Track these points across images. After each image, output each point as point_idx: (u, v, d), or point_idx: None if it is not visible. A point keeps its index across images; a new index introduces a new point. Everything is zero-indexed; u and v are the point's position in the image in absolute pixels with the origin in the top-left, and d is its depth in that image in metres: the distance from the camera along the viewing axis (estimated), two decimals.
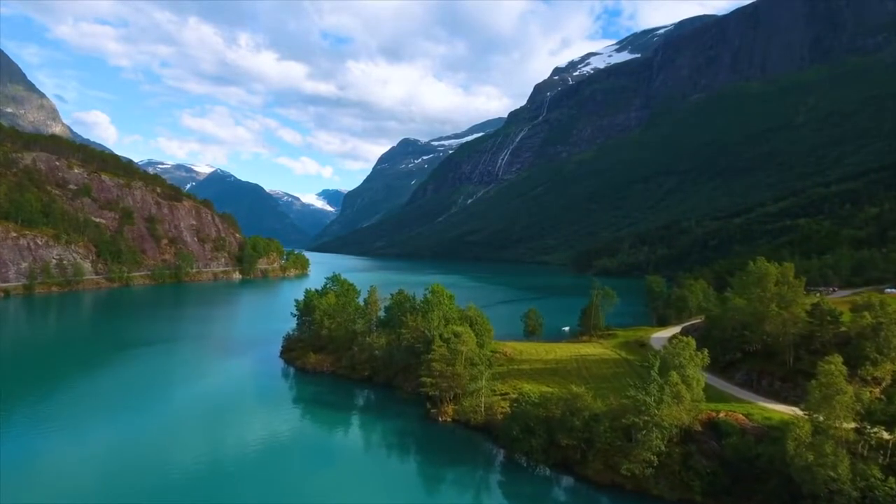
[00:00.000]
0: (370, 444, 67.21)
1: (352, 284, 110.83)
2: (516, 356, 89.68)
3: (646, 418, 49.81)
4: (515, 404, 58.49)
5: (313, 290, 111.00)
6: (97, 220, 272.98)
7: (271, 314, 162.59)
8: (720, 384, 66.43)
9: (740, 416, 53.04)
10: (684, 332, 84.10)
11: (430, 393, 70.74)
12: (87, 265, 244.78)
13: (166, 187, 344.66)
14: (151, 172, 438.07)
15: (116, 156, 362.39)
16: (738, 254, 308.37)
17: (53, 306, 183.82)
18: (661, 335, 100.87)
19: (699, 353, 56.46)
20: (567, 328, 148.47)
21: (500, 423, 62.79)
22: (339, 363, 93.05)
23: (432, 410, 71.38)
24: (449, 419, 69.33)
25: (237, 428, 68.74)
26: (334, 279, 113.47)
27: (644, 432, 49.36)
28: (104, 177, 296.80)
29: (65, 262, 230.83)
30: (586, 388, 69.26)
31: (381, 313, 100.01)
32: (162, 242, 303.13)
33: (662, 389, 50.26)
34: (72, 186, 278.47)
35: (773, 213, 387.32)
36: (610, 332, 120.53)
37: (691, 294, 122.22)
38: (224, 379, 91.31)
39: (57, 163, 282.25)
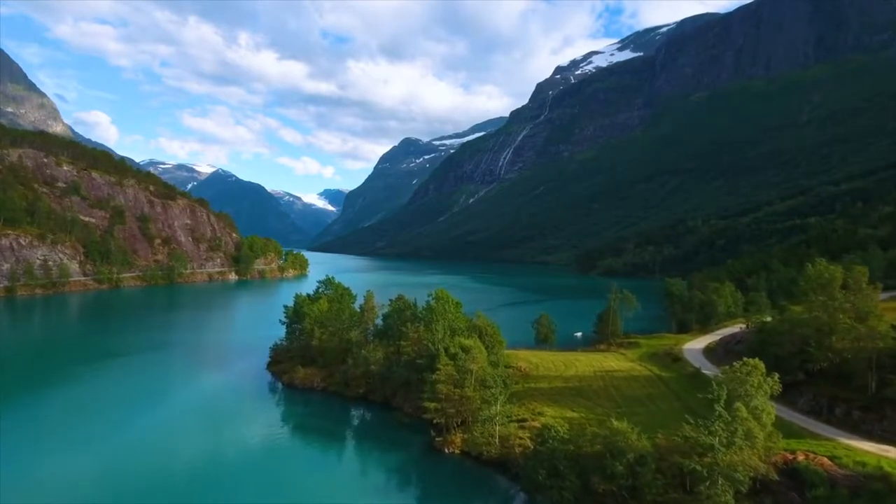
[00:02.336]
0: (366, 479, 56.71)
1: (347, 288, 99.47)
2: (532, 371, 78.94)
3: (709, 461, 39.45)
4: (539, 439, 47.91)
5: (304, 294, 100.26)
6: (86, 219, 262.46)
7: (264, 318, 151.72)
8: (782, 411, 55.52)
9: (825, 459, 42.61)
10: (723, 343, 73.85)
11: (434, 420, 60.04)
12: (74, 266, 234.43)
13: (160, 185, 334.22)
14: (153, 172, 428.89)
15: (108, 153, 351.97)
16: (748, 253, 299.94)
17: (30, 310, 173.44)
18: (693, 346, 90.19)
19: (770, 378, 45.98)
20: (579, 334, 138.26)
21: (518, 457, 52.44)
22: (331, 378, 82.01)
23: (437, 439, 60.50)
24: (457, 450, 58.41)
25: (208, 459, 58.41)
26: (327, 282, 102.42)
27: (708, 483, 38.95)
28: (94, 174, 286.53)
29: (50, 262, 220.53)
30: (618, 413, 58.97)
31: (379, 321, 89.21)
32: (155, 242, 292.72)
33: (733, 430, 39.68)
34: (60, 184, 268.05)
35: (781, 211, 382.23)
36: (630, 339, 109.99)
37: (719, 298, 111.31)
38: (201, 397, 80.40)
39: (45, 160, 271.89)
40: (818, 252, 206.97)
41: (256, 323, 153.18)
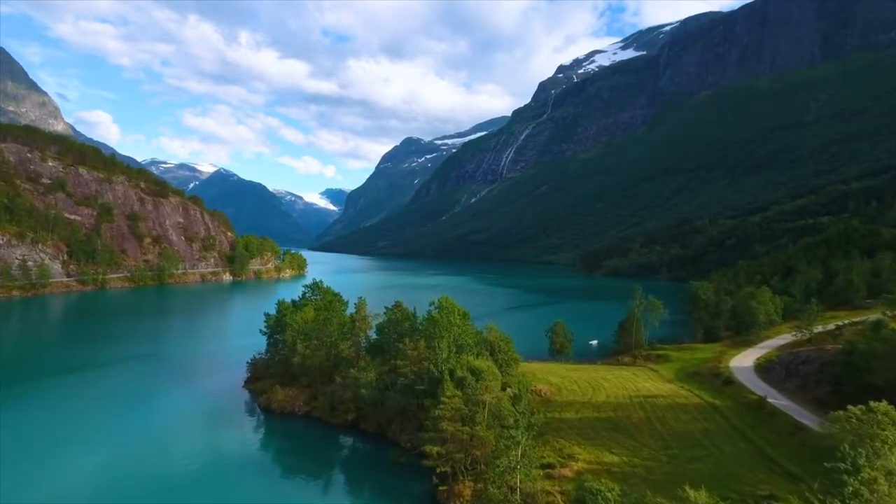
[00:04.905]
0: None
1: (336, 294, 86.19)
2: (554, 395, 66.03)
3: None
4: None
5: (288, 301, 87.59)
6: (71, 217, 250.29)
7: (252, 324, 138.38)
8: None
9: None
10: (784, 363, 61.41)
11: (438, 469, 47.21)
12: (56, 266, 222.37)
13: (151, 182, 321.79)
14: (155, 171, 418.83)
15: (97, 149, 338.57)
16: (761, 253, 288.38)
17: (1, 313, 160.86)
18: (740, 364, 76.69)
19: None
20: (595, 342, 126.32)
21: None
22: (315, 401, 69.48)
23: (441, 488, 47.50)
24: None
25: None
26: (315, 287, 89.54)
27: None
28: (82, 170, 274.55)
29: (29, 262, 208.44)
30: (670, 456, 46.73)
31: (372, 333, 76.36)
32: (144, 241, 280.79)
33: None
34: (45, 180, 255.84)
35: (791, 211, 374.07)
36: (657, 351, 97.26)
37: (760, 305, 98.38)
38: (161, 423, 67.70)
39: (29, 155, 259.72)
40: (858, 252, 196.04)
41: (243, 329, 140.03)
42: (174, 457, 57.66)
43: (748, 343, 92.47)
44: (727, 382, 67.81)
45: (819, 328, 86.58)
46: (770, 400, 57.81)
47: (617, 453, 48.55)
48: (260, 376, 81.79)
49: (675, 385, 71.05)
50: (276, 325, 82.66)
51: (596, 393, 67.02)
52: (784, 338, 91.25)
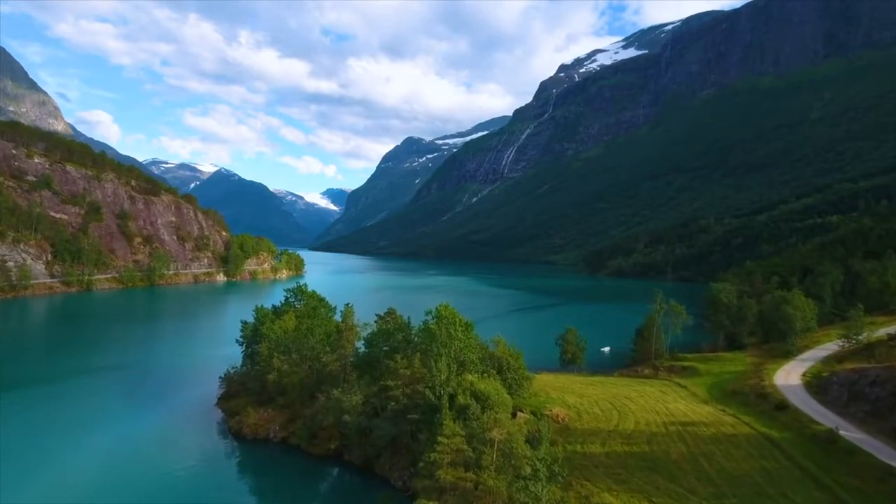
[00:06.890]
0: None
1: (322, 299, 76.19)
2: (573, 421, 55.40)
3: None
4: None
5: (269, 308, 77.55)
6: (58, 215, 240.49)
7: (238, 329, 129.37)
8: None
9: None
10: (846, 381, 51.57)
11: None
12: (39, 267, 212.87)
13: (142, 180, 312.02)
14: (156, 172, 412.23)
15: (86, 145, 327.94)
16: (771, 253, 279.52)
17: None
18: (786, 381, 66.38)
19: None
20: (607, 349, 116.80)
21: None
22: (293, 425, 59.37)
23: None
24: None
25: None
26: (298, 291, 79.39)
27: None
28: (69, 167, 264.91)
29: (10, 263, 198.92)
30: None
31: (360, 345, 66.17)
32: (135, 241, 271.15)
33: None
34: (30, 178, 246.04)
35: (798, 210, 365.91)
36: (681, 362, 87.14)
37: (796, 310, 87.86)
38: (115, 448, 57.57)
39: (14, 151, 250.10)
40: (860, 253, 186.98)
41: (230, 334, 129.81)
42: (122, 494, 48.03)
43: (786, 354, 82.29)
44: (780, 407, 56.97)
45: (862, 336, 77.12)
46: (844, 433, 47.62)
47: (659, 502, 38.75)
48: (234, 393, 71.43)
49: (713, 407, 60.60)
50: (254, 335, 72.60)
51: (622, 418, 56.52)
52: (825, 348, 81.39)
